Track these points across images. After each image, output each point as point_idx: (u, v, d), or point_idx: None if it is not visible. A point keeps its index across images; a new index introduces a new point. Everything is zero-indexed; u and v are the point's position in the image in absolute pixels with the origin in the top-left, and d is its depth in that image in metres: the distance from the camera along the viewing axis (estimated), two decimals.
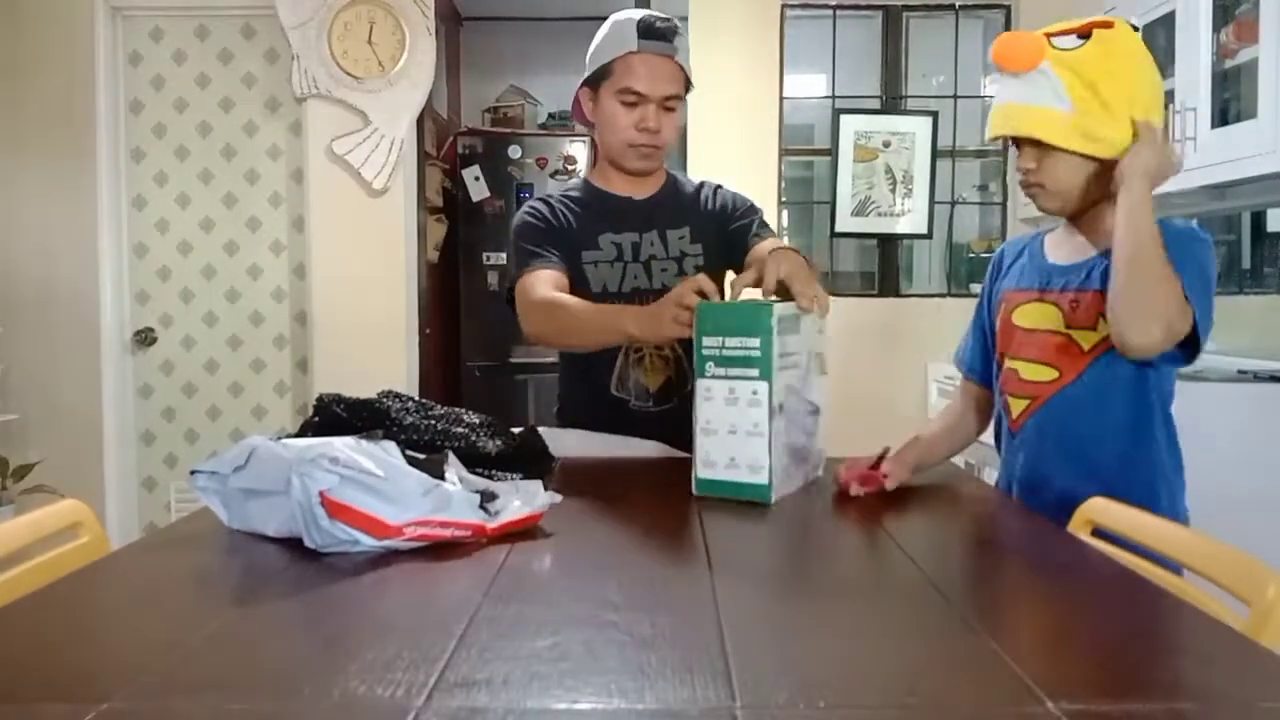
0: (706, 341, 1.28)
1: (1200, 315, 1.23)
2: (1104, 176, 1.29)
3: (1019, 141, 1.34)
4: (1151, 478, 1.32)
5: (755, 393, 1.26)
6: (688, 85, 1.72)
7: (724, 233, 1.78)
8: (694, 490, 1.31)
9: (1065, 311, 1.35)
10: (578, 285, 1.71)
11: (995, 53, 1.31)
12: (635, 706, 0.65)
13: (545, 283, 1.63)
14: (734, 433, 1.28)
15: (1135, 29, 1.31)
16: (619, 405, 1.72)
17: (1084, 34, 1.26)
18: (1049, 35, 1.28)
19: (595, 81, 1.71)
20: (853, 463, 1.36)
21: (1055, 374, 1.36)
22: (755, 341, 1.25)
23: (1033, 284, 1.41)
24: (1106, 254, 1.30)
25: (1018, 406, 1.41)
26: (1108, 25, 1.26)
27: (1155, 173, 1.25)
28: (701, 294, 1.32)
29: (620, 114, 1.68)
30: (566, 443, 1.64)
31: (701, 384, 1.29)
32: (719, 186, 1.86)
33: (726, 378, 1.27)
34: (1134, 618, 0.88)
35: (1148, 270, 1.21)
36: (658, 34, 1.65)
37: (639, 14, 1.67)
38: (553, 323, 1.59)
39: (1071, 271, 1.36)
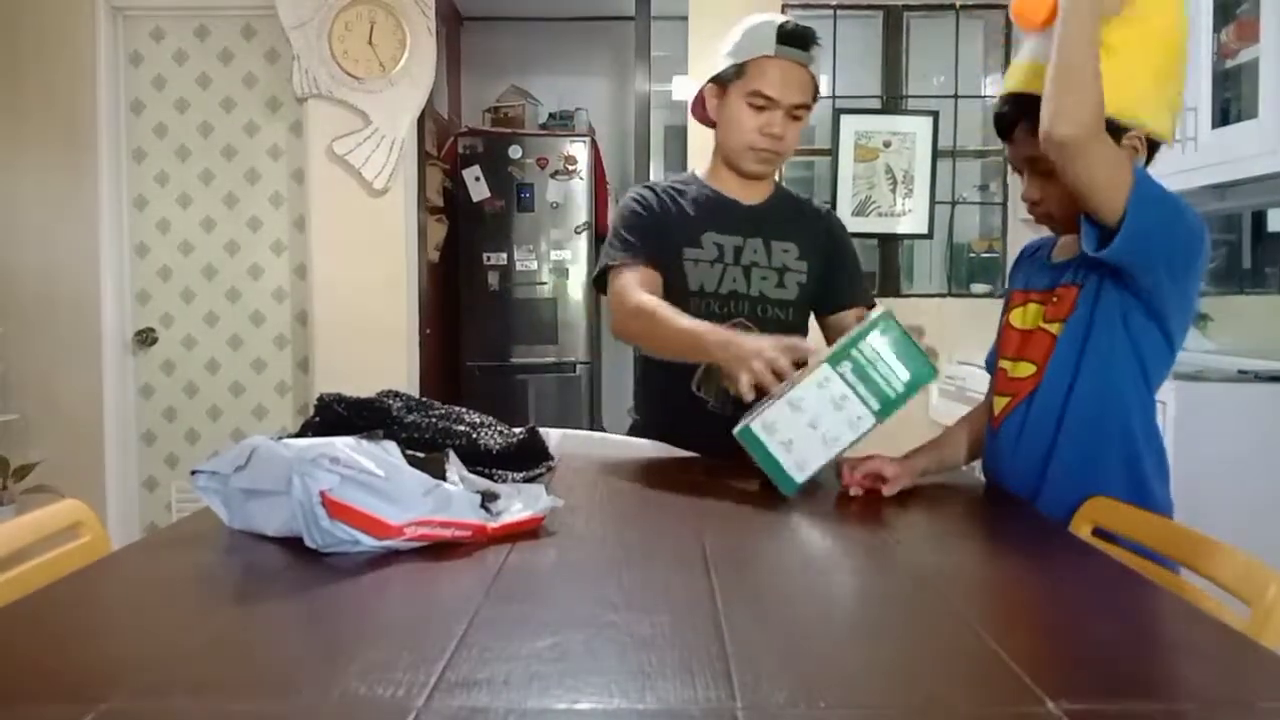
0: (865, 347, 1.27)
1: (1142, 198, 1.16)
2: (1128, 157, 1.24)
3: (1023, 170, 1.33)
4: (1127, 472, 1.28)
5: (859, 418, 1.28)
6: (816, 95, 1.71)
7: (827, 267, 1.79)
8: (734, 432, 1.31)
9: (1046, 308, 1.35)
10: (674, 283, 1.71)
11: (1013, 9, 1.28)
12: (635, 706, 0.65)
13: (641, 285, 1.65)
14: (814, 428, 1.29)
15: None
16: (697, 403, 1.71)
17: None
18: None
19: (725, 80, 1.69)
20: (855, 463, 1.36)
21: (1033, 369, 1.36)
22: (902, 382, 1.27)
23: (1033, 285, 1.41)
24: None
25: (1000, 404, 1.41)
26: None
27: None
28: (795, 364, 1.32)
29: (746, 116, 1.67)
30: (567, 443, 1.64)
31: (825, 370, 1.28)
32: (830, 211, 1.88)
33: (851, 385, 1.27)
34: (1134, 618, 0.88)
35: (1076, 59, 1.15)
36: (797, 41, 1.64)
37: (779, 19, 1.67)
38: (643, 331, 1.62)
39: (1061, 269, 1.35)
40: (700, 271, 1.71)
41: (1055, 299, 1.34)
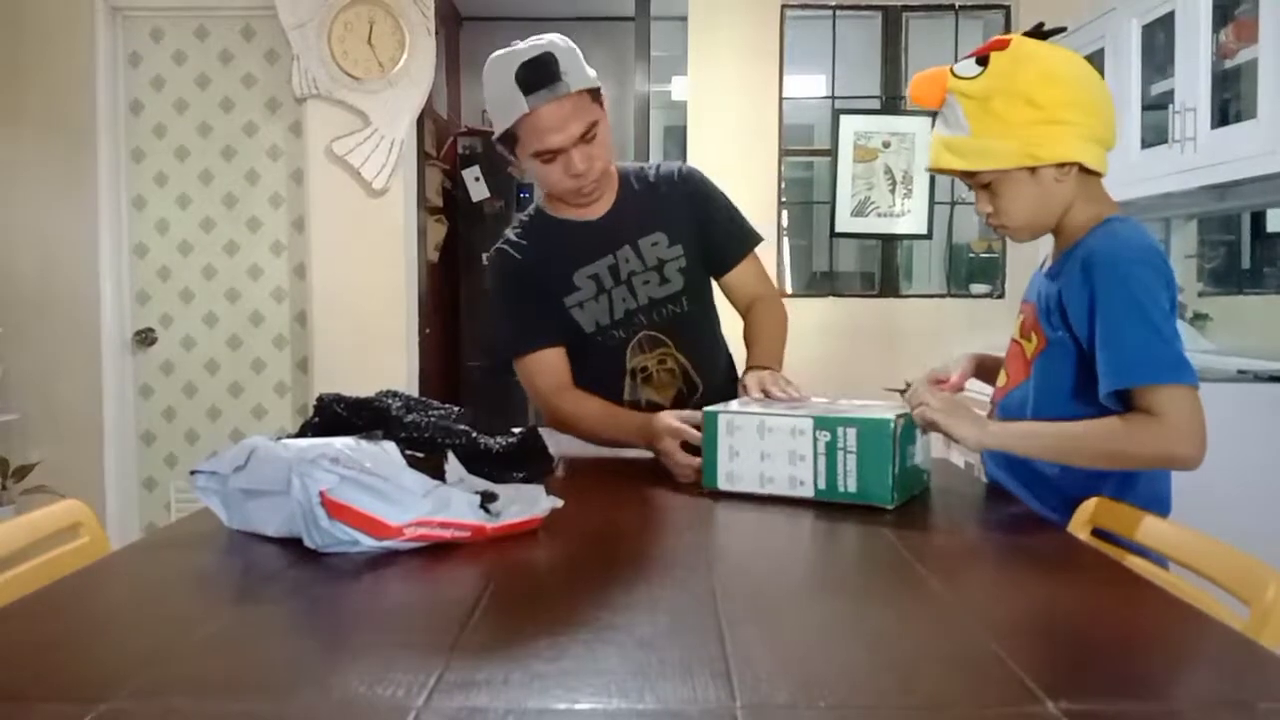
0: (849, 435, 1.25)
1: (1156, 360, 1.15)
2: (1053, 188, 1.26)
3: (971, 186, 1.34)
4: (1097, 490, 1.27)
5: (801, 484, 1.27)
6: (595, 98, 1.57)
7: (702, 229, 1.72)
8: (704, 409, 1.36)
9: (1023, 320, 1.37)
10: (570, 331, 1.68)
11: (910, 94, 1.34)
12: (635, 706, 0.65)
13: (551, 375, 1.67)
14: (762, 459, 1.29)
15: (1045, 36, 1.27)
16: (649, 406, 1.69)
17: (983, 59, 1.25)
18: (954, 66, 1.28)
19: (508, 143, 1.59)
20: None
21: (1005, 380, 1.39)
22: (854, 486, 1.24)
23: (1028, 295, 1.41)
24: (1055, 265, 1.31)
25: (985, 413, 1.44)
26: (1002, 45, 1.25)
27: (954, 413, 1.26)
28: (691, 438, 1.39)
29: (545, 171, 1.58)
30: (566, 443, 1.64)
31: (807, 423, 1.27)
32: (683, 169, 1.76)
33: (815, 453, 1.26)
34: (1134, 618, 0.88)
35: (1086, 457, 1.22)
36: (538, 82, 1.49)
37: (514, 64, 1.50)
38: (572, 432, 1.66)
39: (1042, 281, 1.36)
40: (589, 312, 1.68)
41: (1025, 316, 1.36)
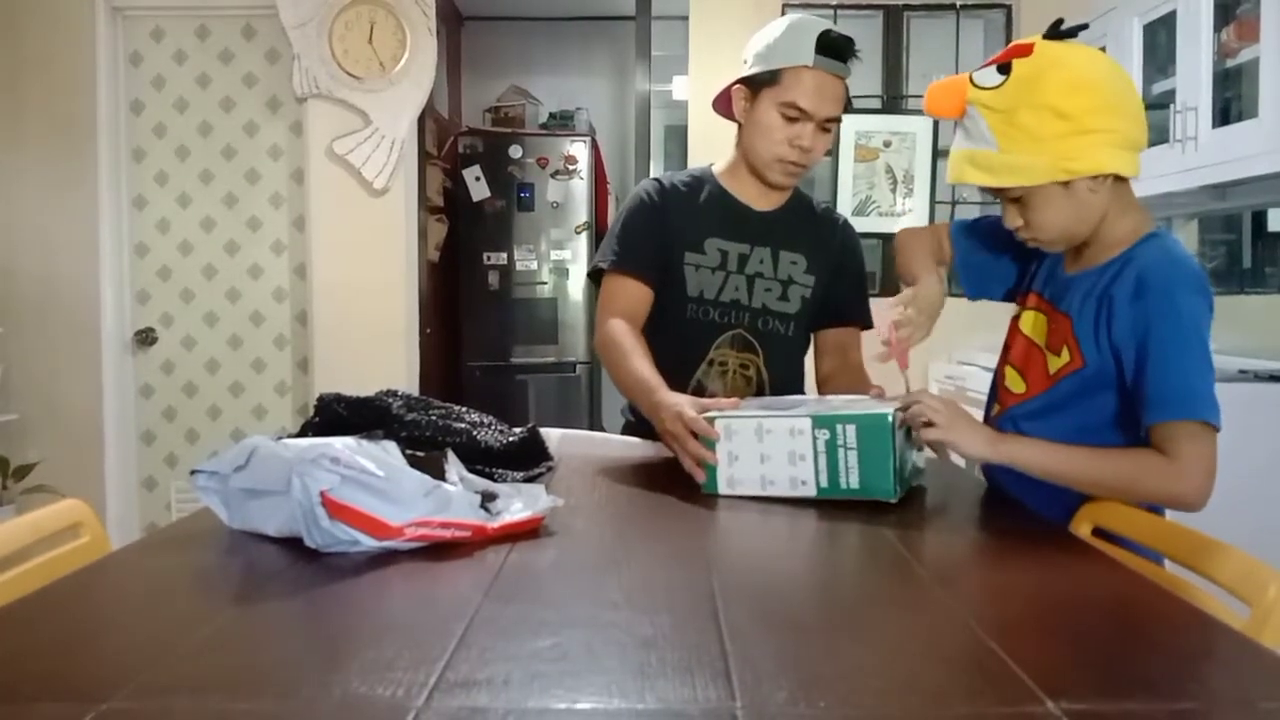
0: (849, 432, 1.24)
1: (1197, 397, 1.15)
2: (1087, 199, 1.22)
3: (998, 199, 1.30)
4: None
5: (803, 483, 1.27)
6: (848, 106, 1.65)
7: (834, 278, 1.75)
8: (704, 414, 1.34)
9: (1049, 329, 1.33)
10: (674, 286, 1.69)
11: (925, 104, 1.29)
12: (635, 706, 0.65)
13: (622, 309, 1.65)
14: (762, 462, 1.29)
15: (1064, 35, 1.22)
16: None
17: (1004, 67, 1.21)
18: (973, 74, 1.23)
19: (757, 83, 1.62)
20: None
21: (1023, 388, 1.35)
22: (855, 483, 1.24)
23: (1045, 292, 1.37)
24: (1087, 273, 1.28)
25: (994, 409, 1.42)
26: (1025, 52, 1.20)
27: (956, 425, 1.25)
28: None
29: (777, 126, 1.61)
30: (567, 443, 1.64)
31: (804, 423, 1.26)
32: (847, 222, 1.83)
33: (815, 452, 1.26)
34: (1134, 617, 0.88)
35: (1092, 485, 1.22)
36: (836, 52, 1.58)
37: (820, 25, 1.59)
38: (607, 363, 1.65)
39: (1068, 287, 1.32)
40: (701, 277, 1.69)
41: (1055, 324, 1.31)
